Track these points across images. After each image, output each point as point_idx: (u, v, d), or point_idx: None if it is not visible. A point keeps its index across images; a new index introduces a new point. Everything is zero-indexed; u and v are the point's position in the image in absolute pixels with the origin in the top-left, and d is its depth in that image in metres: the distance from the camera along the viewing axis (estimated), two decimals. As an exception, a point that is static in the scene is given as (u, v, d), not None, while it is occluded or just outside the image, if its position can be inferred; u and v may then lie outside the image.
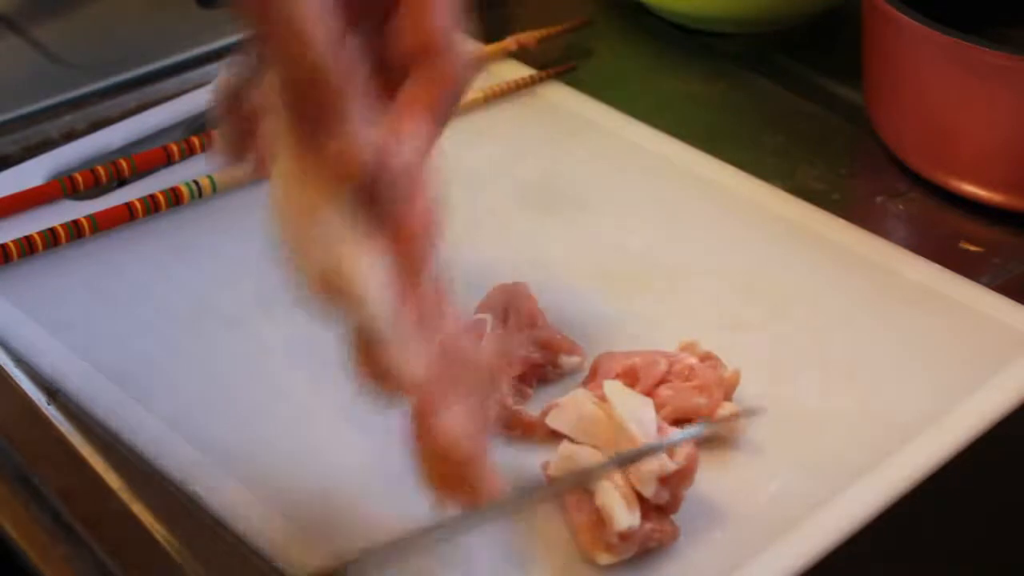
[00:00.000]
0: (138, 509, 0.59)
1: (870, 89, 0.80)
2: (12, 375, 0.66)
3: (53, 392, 0.64)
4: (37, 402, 0.64)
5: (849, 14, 0.89)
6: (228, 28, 0.91)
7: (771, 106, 0.86)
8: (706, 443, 0.59)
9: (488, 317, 0.64)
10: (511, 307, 0.65)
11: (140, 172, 0.76)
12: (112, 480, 0.60)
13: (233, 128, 0.50)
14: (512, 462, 0.59)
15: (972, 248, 0.73)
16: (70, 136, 0.81)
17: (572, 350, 0.64)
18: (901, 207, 0.77)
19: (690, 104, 0.87)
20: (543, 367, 0.63)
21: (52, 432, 0.63)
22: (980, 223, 0.74)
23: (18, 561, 0.59)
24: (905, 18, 0.72)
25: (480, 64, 0.47)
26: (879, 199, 0.77)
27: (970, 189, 0.75)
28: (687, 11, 0.91)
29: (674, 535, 0.55)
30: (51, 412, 0.64)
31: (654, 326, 0.66)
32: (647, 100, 0.85)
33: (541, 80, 0.84)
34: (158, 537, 0.58)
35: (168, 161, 0.77)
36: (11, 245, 0.70)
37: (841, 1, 0.91)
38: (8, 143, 0.78)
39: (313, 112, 0.43)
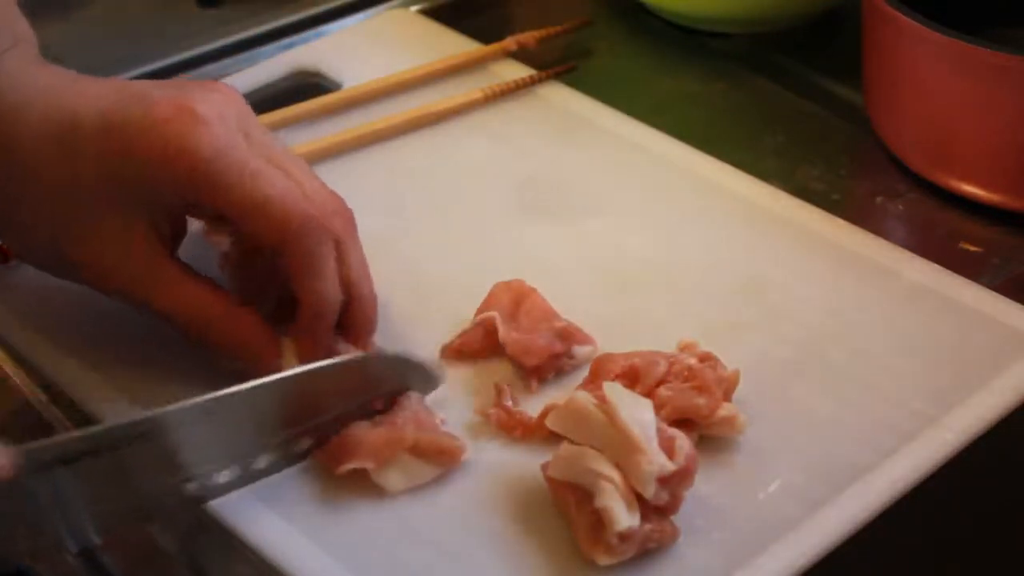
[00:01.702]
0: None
1: (870, 89, 0.80)
2: (12, 375, 0.66)
3: (53, 392, 0.64)
4: (37, 402, 0.64)
5: (849, 14, 0.89)
6: (228, 28, 0.91)
7: (771, 106, 0.85)
8: (706, 444, 0.59)
9: (495, 315, 0.64)
10: (520, 303, 0.65)
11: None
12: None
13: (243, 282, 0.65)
14: (512, 463, 0.59)
15: (972, 248, 0.73)
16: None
17: (585, 340, 0.64)
18: (901, 207, 0.76)
19: (690, 104, 0.87)
20: (561, 357, 0.63)
21: (52, 432, 0.63)
22: (980, 223, 0.74)
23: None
24: (905, 18, 0.71)
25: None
26: (879, 199, 0.77)
27: (970, 189, 0.74)
28: (687, 11, 0.91)
29: (674, 536, 0.55)
30: (51, 412, 0.64)
31: (653, 326, 0.66)
32: (647, 100, 0.85)
33: (541, 80, 0.84)
34: (158, 537, 0.58)
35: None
36: (11, 245, 0.70)
37: (841, 1, 0.91)
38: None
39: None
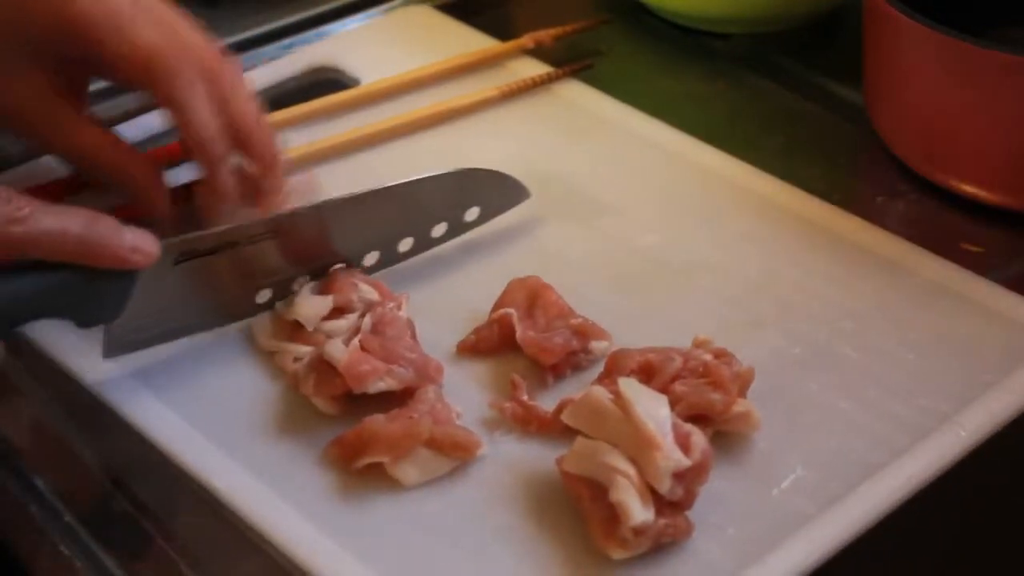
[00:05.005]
0: (137, 508, 0.59)
1: (870, 89, 0.80)
2: (13, 375, 0.66)
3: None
4: (36, 402, 0.65)
5: (849, 14, 0.89)
6: (228, 28, 0.91)
7: (771, 106, 0.86)
8: (720, 440, 0.59)
9: (512, 312, 0.64)
10: (535, 299, 0.65)
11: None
12: (112, 480, 0.61)
13: None
14: (527, 457, 0.60)
15: (972, 248, 0.73)
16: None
17: (601, 335, 0.64)
18: (901, 207, 0.77)
19: (690, 104, 0.87)
20: (577, 354, 0.63)
21: (52, 432, 0.63)
22: (980, 223, 0.75)
23: (17, 560, 0.59)
24: (905, 18, 0.72)
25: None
26: (879, 199, 0.77)
27: (970, 189, 0.75)
28: (688, 11, 0.91)
29: (688, 531, 0.55)
30: (50, 411, 0.64)
31: (668, 322, 0.66)
32: (648, 100, 0.85)
33: (558, 77, 0.84)
34: (157, 536, 0.58)
35: (169, 162, 0.76)
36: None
37: (841, 1, 0.91)
38: (11, 143, 0.78)
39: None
